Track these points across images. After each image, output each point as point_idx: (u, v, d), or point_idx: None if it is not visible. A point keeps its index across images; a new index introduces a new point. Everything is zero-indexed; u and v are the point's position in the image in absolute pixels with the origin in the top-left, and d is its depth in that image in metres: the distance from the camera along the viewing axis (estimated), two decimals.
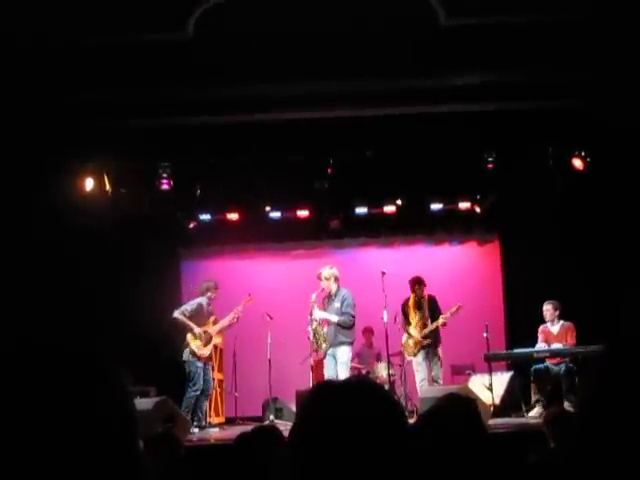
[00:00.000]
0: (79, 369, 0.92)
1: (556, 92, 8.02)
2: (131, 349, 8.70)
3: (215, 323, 8.96)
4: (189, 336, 8.69)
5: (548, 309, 8.85)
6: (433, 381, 8.84)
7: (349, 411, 1.19)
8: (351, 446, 1.15)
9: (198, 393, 8.57)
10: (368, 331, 10.02)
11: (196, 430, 8.39)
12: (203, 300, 8.91)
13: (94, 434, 0.89)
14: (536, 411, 8.33)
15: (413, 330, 8.98)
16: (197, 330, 8.68)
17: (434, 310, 9.02)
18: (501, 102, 8.29)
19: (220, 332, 9.10)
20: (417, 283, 9.04)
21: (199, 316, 8.80)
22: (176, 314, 8.74)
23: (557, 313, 8.83)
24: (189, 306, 8.84)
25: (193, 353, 8.64)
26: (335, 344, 8.47)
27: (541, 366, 8.59)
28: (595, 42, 7.44)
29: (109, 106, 8.05)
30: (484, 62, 7.68)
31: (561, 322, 8.83)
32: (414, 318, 9.00)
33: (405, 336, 9.11)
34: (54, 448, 0.87)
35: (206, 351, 8.74)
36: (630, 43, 7.40)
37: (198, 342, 8.68)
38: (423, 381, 8.85)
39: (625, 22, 7.30)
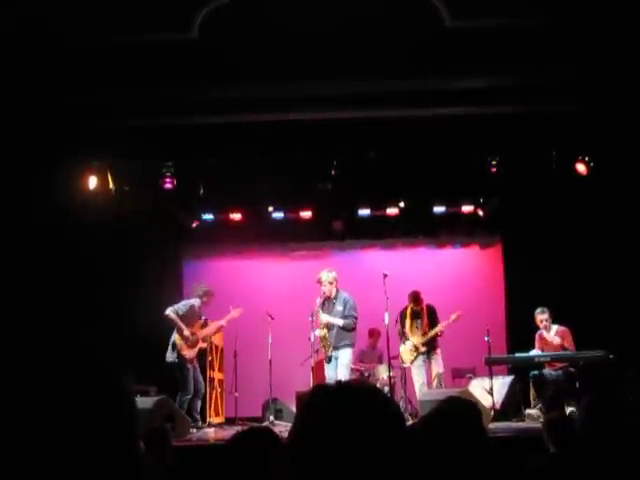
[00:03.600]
0: (80, 367, 0.92)
1: (560, 96, 8.02)
2: (132, 348, 8.71)
3: (203, 326, 8.89)
4: (176, 336, 8.64)
5: (545, 318, 8.69)
6: (437, 382, 8.82)
7: (347, 413, 1.18)
8: (349, 448, 1.15)
9: (189, 397, 8.53)
10: (375, 333, 9.98)
11: (194, 431, 8.39)
12: (196, 302, 8.83)
13: (95, 432, 0.89)
14: (534, 411, 8.33)
15: (412, 338, 8.96)
16: (186, 332, 8.60)
17: (433, 319, 8.99)
18: (505, 105, 8.29)
19: (205, 338, 9.02)
20: (413, 300, 8.99)
21: (190, 317, 8.73)
22: (168, 312, 8.64)
23: (550, 319, 8.77)
24: (182, 306, 8.75)
25: (179, 355, 8.57)
26: (338, 347, 8.47)
27: (537, 372, 8.56)
28: (600, 46, 7.44)
29: (113, 106, 8.07)
30: (488, 65, 7.69)
31: (555, 327, 8.77)
32: (411, 327, 8.98)
33: (401, 344, 9.10)
34: (54, 446, 0.86)
35: (192, 353, 8.66)
36: (634, 47, 7.39)
37: (184, 344, 8.60)
38: (423, 385, 8.83)
39: (629, 27, 7.29)
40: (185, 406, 8.44)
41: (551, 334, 8.74)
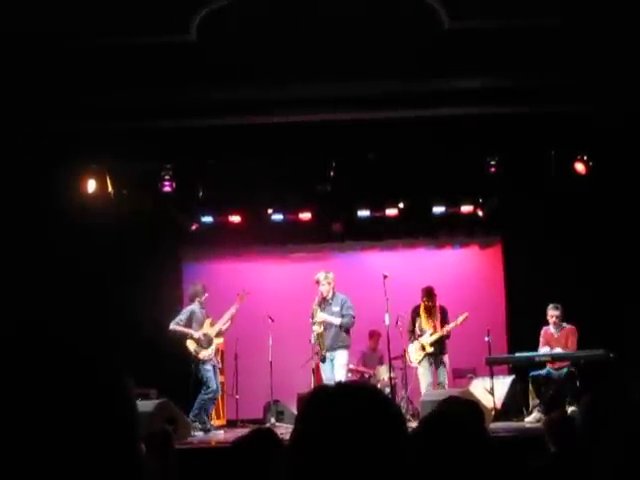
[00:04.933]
0: (81, 367, 0.93)
1: (559, 96, 8.02)
2: (132, 351, 8.71)
3: (212, 325, 8.96)
4: (189, 342, 8.70)
5: (556, 315, 8.65)
6: (439, 386, 8.81)
7: (347, 414, 1.19)
8: (349, 449, 1.15)
9: (211, 396, 8.63)
10: (376, 334, 9.97)
11: (201, 433, 8.40)
12: (195, 307, 8.92)
13: (95, 433, 0.89)
14: (533, 417, 8.29)
15: (424, 337, 8.91)
16: (196, 334, 8.71)
17: (444, 320, 8.98)
18: (504, 106, 8.29)
19: (220, 332, 9.09)
20: (426, 295, 8.95)
21: (194, 322, 8.82)
22: (172, 326, 8.76)
23: (561, 317, 8.76)
24: (182, 315, 8.85)
25: (197, 358, 8.66)
26: (334, 347, 8.48)
27: (538, 372, 8.55)
28: (598, 46, 7.45)
29: (112, 108, 8.06)
30: (487, 65, 7.69)
31: (563, 325, 8.78)
32: (426, 324, 8.94)
33: (410, 342, 9.07)
34: (55, 447, 0.87)
35: (209, 352, 8.77)
36: (632, 46, 7.40)
37: (199, 346, 8.69)
38: (429, 386, 8.81)
39: (627, 26, 7.30)
40: (206, 405, 8.54)
41: (557, 331, 8.72)
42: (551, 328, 8.78)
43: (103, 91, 7.76)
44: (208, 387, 8.63)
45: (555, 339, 8.72)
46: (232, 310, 8.99)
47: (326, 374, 8.53)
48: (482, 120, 8.52)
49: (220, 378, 9.86)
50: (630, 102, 7.99)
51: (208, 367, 8.71)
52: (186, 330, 8.72)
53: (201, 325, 8.86)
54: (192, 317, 8.83)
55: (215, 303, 9.14)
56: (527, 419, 8.37)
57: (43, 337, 0.94)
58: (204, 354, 8.70)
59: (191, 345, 8.71)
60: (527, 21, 7.40)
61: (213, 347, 8.86)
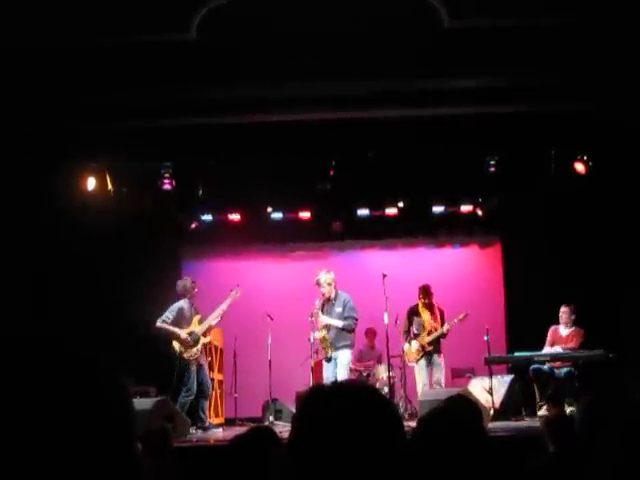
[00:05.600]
0: (78, 368, 0.92)
1: (559, 95, 8.02)
2: (131, 349, 8.70)
3: (201, 322, 8.77)
4: (175, 343, 8.60)
5: (565, 311, 8.73)
6: (435, 384, 8.82)
7: (343, 413, 1.19)
8: (346, 449, 1.15)
9: (191, 397, 8.49)
10: (371, 332, 9.99)
11: (200, 431, 8.36)
12: (183, 303, 8.73)
13: (92, 433, 0.89)
14: (544, 410, 8.31)
15: (421, 336, 8.92)
16: (183, 336, 8.55)
17: (441, 319, 8.99)
18: (503, 105, 8.29)
19: (208, 330, 8.91)
20: (423, 292, 8.97)
21: (182, 320, 8.64)
22: (158, 323, 8.55)
23: (573, 317, 8.76)
24: (170, 313, 8.63)
25: (182, 358, 8.57)
26: (338, 347, 8.46)
27: (539, 367, 8.56)
28: (599, 45, 7.44)
29: (112, 106, 8.06)
30: (487, 65, 7.68)
31: (573, 327, 8.78)
32: (425, 322, 8.94)
33: (407, 343, 9.07)
34: (51, 447, 0.87)
35: (195, 352, 8.61)
36: (632, 45, 7.40)
37: (184, 347, 8.58)
38: (425, 386, 8.82)
39: (627, 25, 7.30)
40: (187, 407, 8.43)
41: (566, 332, 8.71)
42: (560, 328, 8.77)
43: (103, 90, 7.76)
44: (188, 389, 8.48)
45: (562, 339, 8.72)
46: (223, 306, 8.82)
47: (327, 374, 8.49)
48: (482, 119, 8.52)
49: (219, 376, 9.85)
50: (630, 101, 7.98)
51: (192, 368, 8.53)
52: (172, 329, 8.53)
53: (189, 323, 8.72)
54: (180, 315, 8.64)
55: (214, 302, 9.11)
56: (539, 413, 8.36)
57: (41, 337, 0.94)
58: (189, 354, 8.56)
59: (176, 345, 8.58)
60: (528, 20, 7.39)
61: (199, 346, 8.70)
